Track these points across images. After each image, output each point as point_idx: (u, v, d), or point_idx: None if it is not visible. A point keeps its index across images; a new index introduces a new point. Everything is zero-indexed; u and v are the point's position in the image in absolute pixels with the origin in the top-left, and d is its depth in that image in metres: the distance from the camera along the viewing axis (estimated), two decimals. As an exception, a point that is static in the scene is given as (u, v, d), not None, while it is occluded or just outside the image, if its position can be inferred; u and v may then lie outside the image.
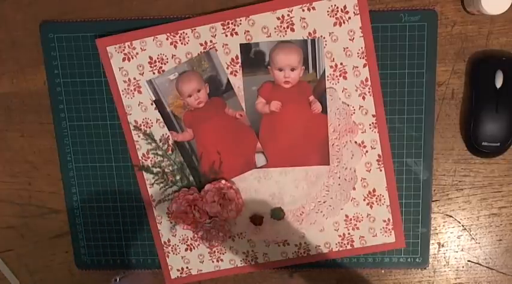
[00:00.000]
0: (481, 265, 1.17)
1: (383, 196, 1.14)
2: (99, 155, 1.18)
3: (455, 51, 1.10)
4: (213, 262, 1.20)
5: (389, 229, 1.15)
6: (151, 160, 1.15)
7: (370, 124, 1.11)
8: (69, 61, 1.14)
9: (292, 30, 1.08)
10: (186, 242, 1.19)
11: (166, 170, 1.16)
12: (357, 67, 1.09)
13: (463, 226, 1.15)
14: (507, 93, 1.07)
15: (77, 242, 1.22)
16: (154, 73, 1.11)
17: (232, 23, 1.09)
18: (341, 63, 1.09)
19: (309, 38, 1.09)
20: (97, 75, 1.14)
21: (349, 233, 1.16)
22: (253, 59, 1.10)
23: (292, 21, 1.08)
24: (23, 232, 1.23)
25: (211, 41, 1.10)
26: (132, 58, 1.11)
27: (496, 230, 1.15)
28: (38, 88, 1.17)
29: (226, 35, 1.09)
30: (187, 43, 1.10)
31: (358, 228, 1.16)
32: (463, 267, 1.17)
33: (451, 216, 1.15)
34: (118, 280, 1.15)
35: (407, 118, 1.12)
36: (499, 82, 1.06)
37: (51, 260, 1.24)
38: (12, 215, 1.22)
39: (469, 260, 1.17)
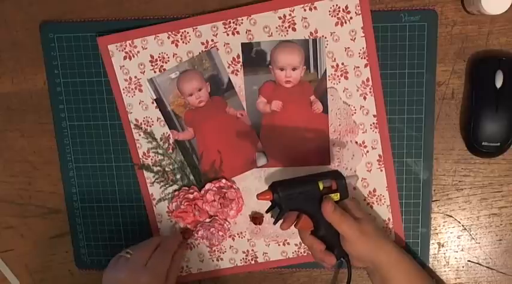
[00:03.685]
0: (481, 265, 1.17)
1: (383, 196, 1.14)
2: (99, 155, 1.18)
3: (455, 51, 1.10)
4: (213, 261, 1.20)
5: (389, 229, 1.15)
6: (151, 159, 1.15)
7: (371, 125, 1.11)
8: (69, 61, 1.15)
9: (294, 29, 1.09)
10: (186, 241, 1.19)
11: (166, 169, 1.16)
12: (358, 67, 1.09)
13: (463, 226, 1.15)
14: (507, 93, 1.07)
15: (77, 242, 1.22)
16: (155, 72, 1.12)
17: (233, 22, 1.09)
18: (342, 63, 1.10)
19: (311, 37, 1.09)
20: (97, 75, 1.15)
21: (349, 233, 1.16)
22: (254, 58, 1.10)
23: (293, 20, 1.08)
24: (23, 232, 1.23)
25: (212, 40, 1.10)
26: (133, 56, 1.11)
27: (496, 230, 1.15)
28: (38, 88, 1.17)
29: (228, 34, 1.09)
30: (188, 42, 1.10)
31: (358, 228, 1.16)
32: (463, 267, 1.17)
33: (451, 216, 1.15)
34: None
35: (407, 118, 1.12)
36: (499, 82, 1.07)
37: (51, 260, 1.24)
38: (12, 215, 1.22)
39: (469, 260, 1.17)
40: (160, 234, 1.19)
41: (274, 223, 1.05)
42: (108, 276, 1.07)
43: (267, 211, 1.06)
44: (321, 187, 1.04)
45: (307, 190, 1.04)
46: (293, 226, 1.07)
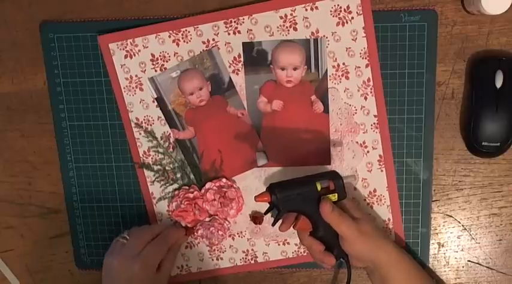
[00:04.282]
0: (481, 265, 1.17)
1: (383, 196, 1.14)
2: (99, 155, 1.18)
3: (455, 51, 1.11)
4: (212, 260, 1.20)
5: (389, 229, 1.15)
6: (152, 158, 1.15)
7: (371, 125, 1.12)
8: (69, 61, 1.15)
9: (295, 29, 1.09)
10: (187, 237, 1.19)
11: (167, 168, 1.16)
12: (359, 67, 1.10)
13: (463, 226, 1.16)
14: (507, 93, 1.07)
15: (76, 242, 1.22)
16: (156, 70, 1.12)
17: (235, 22, 1.09)
18: (343, 63, 1.10)
19: (312, 37, 1.09)
20: (97, 75, 1.15)
21: (349, 233, 1.16)
22: (255, 57, 1.10)
23: (295, 20, 1.08)
24: (23, 232, 1.23)
25: (213, 39, 1.10)
26: (134, 55, 1.11)
27: (496, 230, 1.15)
28: (38, 88, 1.17)
29: (229, 34, 1.10)
30: (189, 41, 1.10)
31: (358, 228, 1.16)
32: (463, 267, 1.17)
33: (451, 216, 1.15)
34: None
35: (407, 118, 1.12)
36: (499, 82, 1.07)
37: (51, 260, 1.24)
38: (12, 215, 1.22)
39: (469, 260, 1.17)
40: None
41: (273, 224, 1.05)
42: (105, 261, 1.09)
43: (265, 213, 1.06)
44: (319, 187, 1.04)
45: (305, 191, 1.04)
46: (292, 227, 1.07)
